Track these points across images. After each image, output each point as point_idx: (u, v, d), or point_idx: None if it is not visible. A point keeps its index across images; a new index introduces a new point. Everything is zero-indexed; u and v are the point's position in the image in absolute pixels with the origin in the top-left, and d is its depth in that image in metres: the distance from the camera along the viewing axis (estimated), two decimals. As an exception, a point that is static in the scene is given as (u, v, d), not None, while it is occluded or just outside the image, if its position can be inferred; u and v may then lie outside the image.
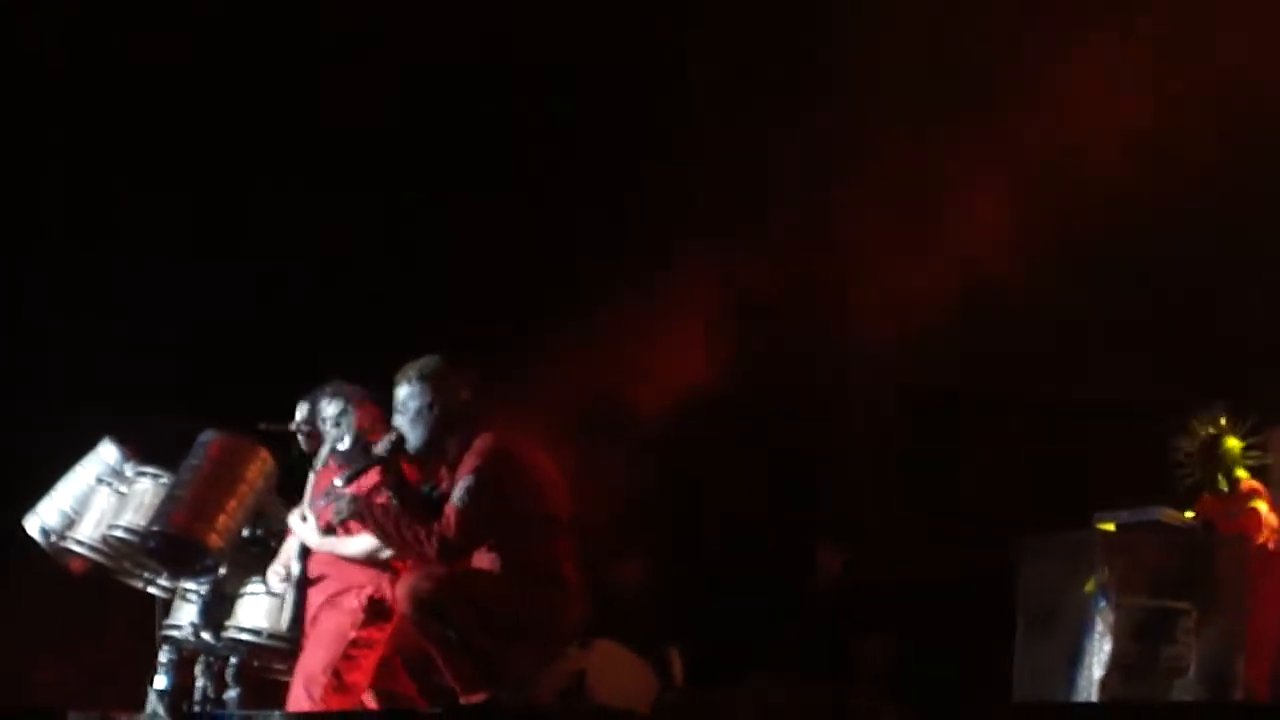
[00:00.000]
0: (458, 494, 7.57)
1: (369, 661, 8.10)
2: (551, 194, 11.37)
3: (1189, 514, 9.05)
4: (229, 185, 11.31)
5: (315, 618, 8.13)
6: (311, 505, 8.11)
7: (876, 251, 10.61)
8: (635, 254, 10.88)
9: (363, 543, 8.09)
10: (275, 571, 8.18)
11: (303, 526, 8.12)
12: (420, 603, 7.47)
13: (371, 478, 7.91)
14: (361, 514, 7.72)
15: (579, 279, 11.10)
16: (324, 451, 8.23)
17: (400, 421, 7.80)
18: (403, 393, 7.81)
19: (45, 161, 11.27)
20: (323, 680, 7.99)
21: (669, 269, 10.84)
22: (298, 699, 8.04)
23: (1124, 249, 10.50)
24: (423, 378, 7.79)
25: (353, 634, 8.04)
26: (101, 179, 11.27)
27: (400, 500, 7.73)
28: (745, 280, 10.92)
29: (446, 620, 7.44)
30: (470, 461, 7.65)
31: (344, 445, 8.21)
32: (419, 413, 7.76)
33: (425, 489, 7.83)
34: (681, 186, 11.15)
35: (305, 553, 8.14)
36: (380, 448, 7.80)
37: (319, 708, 7.94)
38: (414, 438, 7.77)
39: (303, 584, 8.11)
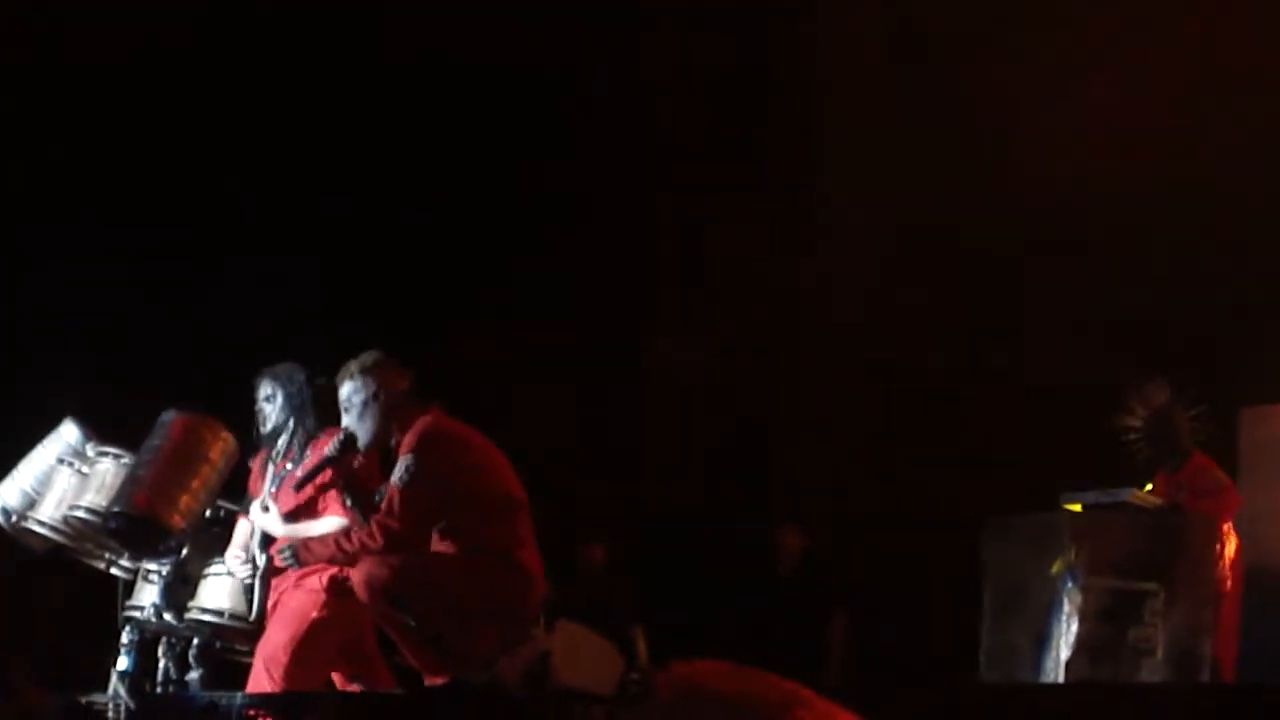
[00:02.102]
0: (397, 475, 7.60)
1: (332, 641, 8.06)
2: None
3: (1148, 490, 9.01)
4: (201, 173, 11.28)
5: (279, 599, 8.09)
6: (271, 493, 8.07)
7: (839, 225, 10.62)
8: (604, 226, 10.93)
9: (328, 524, 8.03)
10: (235, 556, 8.13)
11: (264, 516, 8.06)
12: (377, 590, 7.46)
13: (321, 480, 7.91)
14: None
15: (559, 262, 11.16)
16: (283, 438, 8.19)
17: (348, 420, 7.80)
18: (346, 390, 7.81)
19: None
20: (283, 659, 7.93)
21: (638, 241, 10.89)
22: (258, 678, 7.98)
23: (1092, 230, 10.52)
24: (364, 371, 7.79)
25: (314, 614, 7.97)
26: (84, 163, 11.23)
27: (352, 500, 7.72)
28: (708, 257, 10.93)
29: (405, 606, 7.44)
30: (408, 442, 7.66)
31: (269, 427, 8.17)
32: (364, 405, 7.76)
33: (378, 494, 7.78)
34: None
35: (267, 540, 8.09)
36: (330, 449, 7.80)
37: (280, 687, 7.88)
38: (362, 433, 7.77)
39: (266, 573, 8.07)
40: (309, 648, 7.96)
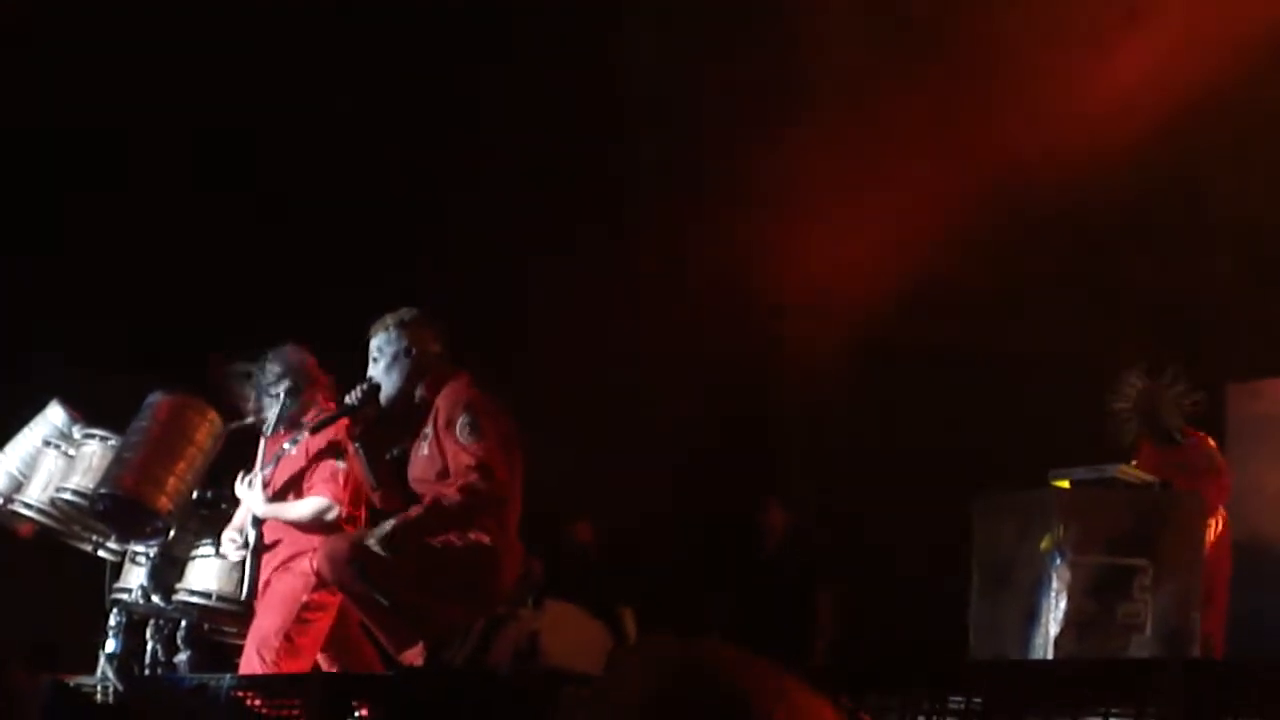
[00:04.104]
0: (462, 431, 7.43)
1: (322, 624, 8.05)
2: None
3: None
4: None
5: (268, 582, 8.07)
6: (260, 471, 8.03)
7: (818, 207, 10.59)
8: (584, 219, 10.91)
9: (309, 505, 8.01)
10: (230, 538, 8.10)
11: (249, 493, 8.03)
12: (339, 565, 7.39)
13: (328, 434, 7.86)
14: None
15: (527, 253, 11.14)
16: (271, 418, 8.15)
17: (374, 371, 7.69)
18: (377, 340, 7.71)
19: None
20: (275, 644, 7.92)
21: (610, 236, 10.87)
22: (250, 662, 7.98)
23: (1071, 204, 10.51)
24: (400, 325, 7.70)
25: (305, 597, 7.97)
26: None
27: (365, 454, 7.63)
28: (685, 241, 10.91)
29: (369, 579, 7.36)
30: (450, 402, 7.52)
31: (275, 413, 8.13)
32: (393, 359, 7.66)
33: (392, 452, 7.72)
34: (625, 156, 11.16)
35: (259, 519, 8.06)
36: (352, 397, 7.69)
37: (271, 670, 7.88)
38: (388, 385, 7.65)
39: (258, 551, 8.04)
40: (300, 632, 7.95)
